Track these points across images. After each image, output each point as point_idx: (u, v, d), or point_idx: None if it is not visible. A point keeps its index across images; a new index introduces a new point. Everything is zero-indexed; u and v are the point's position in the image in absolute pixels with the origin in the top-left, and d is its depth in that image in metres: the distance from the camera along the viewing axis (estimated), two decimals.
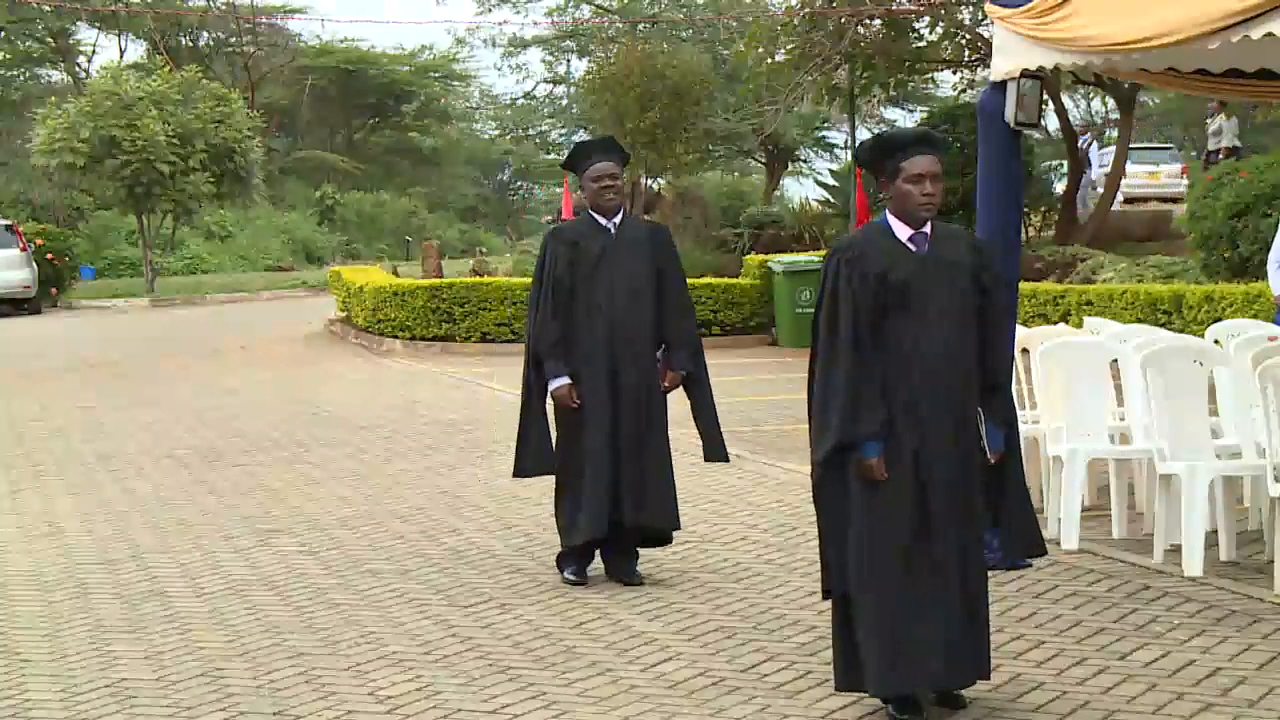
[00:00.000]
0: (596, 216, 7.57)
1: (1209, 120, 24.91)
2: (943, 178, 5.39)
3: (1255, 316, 12.37)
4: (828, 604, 7.07)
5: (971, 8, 22.30)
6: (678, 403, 7.73)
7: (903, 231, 5.36)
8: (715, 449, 7.76)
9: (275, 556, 8.42)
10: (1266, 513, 7.81)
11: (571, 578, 7.58)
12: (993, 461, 5.45)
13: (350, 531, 9.04)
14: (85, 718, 5.77)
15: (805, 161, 46.90)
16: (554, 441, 7.64)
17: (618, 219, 7.57)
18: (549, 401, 7.59)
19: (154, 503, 10.19)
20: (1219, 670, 5.95)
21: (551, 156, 60.73)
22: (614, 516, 7.47)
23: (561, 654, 6.41)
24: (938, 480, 5.29)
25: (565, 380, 7.45)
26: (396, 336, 21.35)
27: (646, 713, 5.65)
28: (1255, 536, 8.16)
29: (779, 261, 21.15)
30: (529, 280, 23.75)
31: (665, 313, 7.58)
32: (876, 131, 37.13)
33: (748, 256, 22.95)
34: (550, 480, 7.80)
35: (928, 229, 5.37)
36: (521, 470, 7.79)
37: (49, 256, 33.25)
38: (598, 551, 7.70)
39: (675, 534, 7.83)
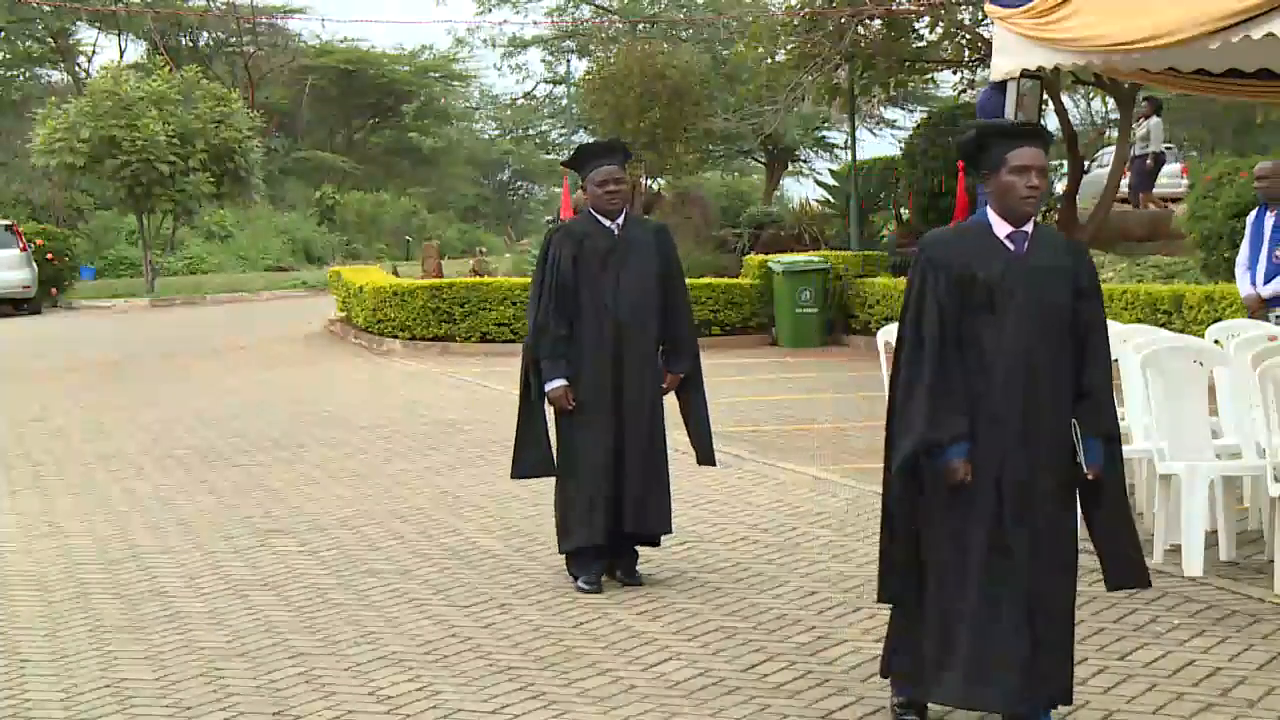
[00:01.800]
0: (599, 218, 7.51)
1: (1137, 124, 24.73)
2: (1048, 172, 5.12)
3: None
4: (828, 604, 7.11)
5: (971, 8, 22.27)
6: (670, 404, 7.70)
7: (1002, 228, 5.07)
8: (705, 453, 7.71)
9: (275, 556, 8.42)
10: (1266, 513, 7.81)
11: (585, 587, 7.43)
12: (1090, 478, 5.09)
13: (350, 531, 9.04)
14: (85, 718, 5.77)
15: (805, 161, 46.89)
16: (555, 442, 7.57)
17: (620, 219, 7.52)
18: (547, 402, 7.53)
19: (154, 503, 10.19)
20: (1219, 670, 5.95)
21: (551, 156, 60.68)
22: (615, 522, 7.41)
23: (561, 654, 6.41)
24: (1022, 492, 5.00)
25: (562, 382, 7.38)
26: (396, 336, 21.35)
27: (646, 713, 5.65)
28: (1255, 536, 8.16)
29: (779, 261, 21.15)
30: (529, 280, 23.77)
31: (666, 315, 7.54)
32: (874, 130, 36.69)
33: (748, 256, 22.95)
34: (548, 480, 7.78)
35: (1029, 227, 5.08)
36: (519, 472, 7.72)
37: (49, 256, 33.28)
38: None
39: (669, 535, 7.80)
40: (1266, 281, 10.18)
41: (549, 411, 7.55)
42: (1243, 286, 10.41)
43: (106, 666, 6.40)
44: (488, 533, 8.93)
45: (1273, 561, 7.27)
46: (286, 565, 8.20)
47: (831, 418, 13.52)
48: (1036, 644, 5.02)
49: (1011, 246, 5.05)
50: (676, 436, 7.87)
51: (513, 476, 7.81)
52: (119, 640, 6.78)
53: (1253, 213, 10.58)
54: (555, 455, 7.57)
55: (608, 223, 7.49)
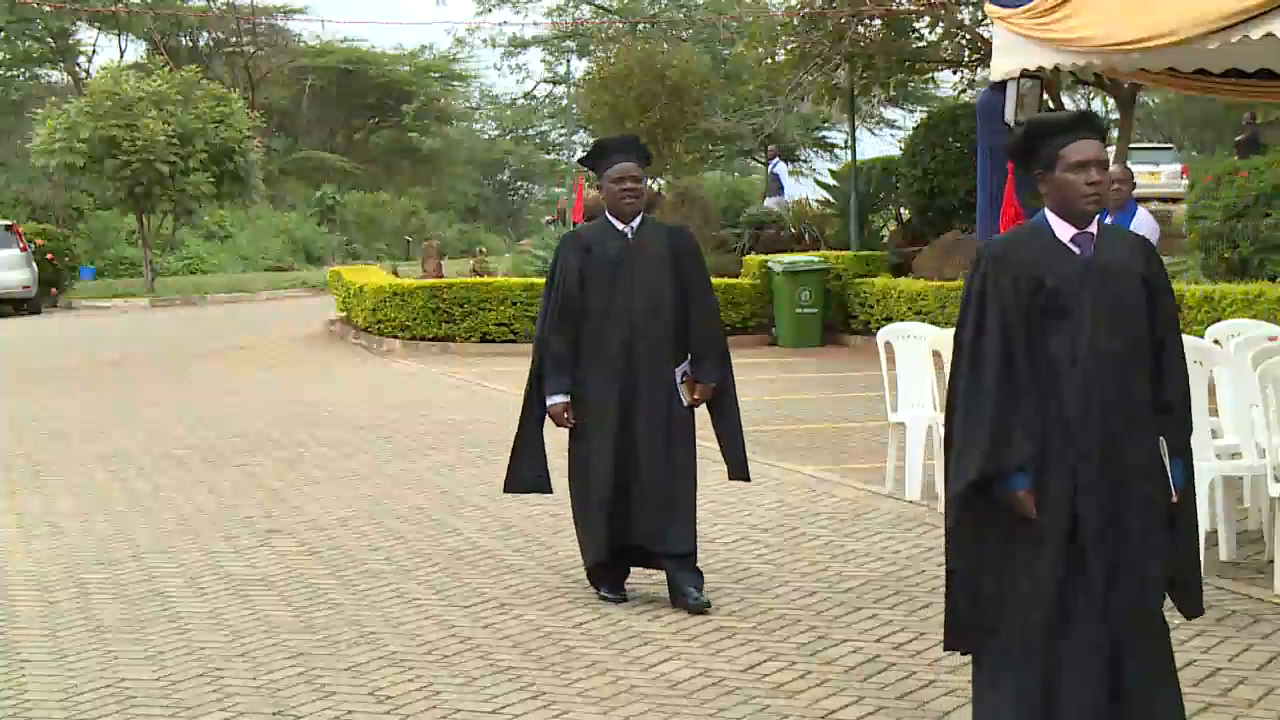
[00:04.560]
0: (613, 220, 7.17)
1: None
2: (1108, 166, 4.68)
3: (1255, 316, 12.36)
4: (828, 603, 7.11)
5: (971, 8, 22.29)
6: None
7: (1064, 231, 4.63)
8: (737, 467, 7.35)
9: (275, 556, 8.42)
10: (1266, 513, 7.81)
11: (608, 595, 7.22)
12: (1174, 500, 4.64)
13: (350, 531, 9.04)
14: (85, 718, 5.77)
15: (805, 161, 46.94)
16: (568, 454, 7.28)
17: (636, 223, 7.17)
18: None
19: (154, 503, 10.18)
20: (1219, 670, 5.95)
21: (551, 157, 60.81)
22: (628, 537, 7.10)
23: (561, 654, 6.41)
24: (1100, 521, 4.54)
25: (563, 398, 7.10)
26: (396, 336, 21.35)
27: (646, 713, 5.65)
28: (1255, 536, 8.16)
29: (779, 261, 21.16)
30: (529, 280, 23.76)
31: (690, 321, 7.17)
32: (874, 130, 36.75)
33: (748, 256, 22.95)
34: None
35: (1093, 228, 4.64)
36: (512, 486, 7.48)
37: (49, 256, 33.24)
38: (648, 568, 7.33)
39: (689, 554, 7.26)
40: None
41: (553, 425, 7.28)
42: None
43: (106, 666, 6.40)
44: (488, 533, 8.92)
45: (1273, 561, 7.27)
46: (286, 565, 8.19)
47: (831, 418, 13.52)
48: (1120, 696, 4.57)
49: (1077, 250, 4.62)
50: (707, 445, 7.61)
51: (505, 490, 7.58)
52: (119, 640, 6.78)
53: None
54: (569, 468, 7.28)
55: (621, 225, 7.16)
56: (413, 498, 10.10)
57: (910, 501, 9.45)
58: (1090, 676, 4.55)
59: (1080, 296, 4.56)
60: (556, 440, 7.54)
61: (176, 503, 10.13)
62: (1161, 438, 4.65)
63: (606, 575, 7.30)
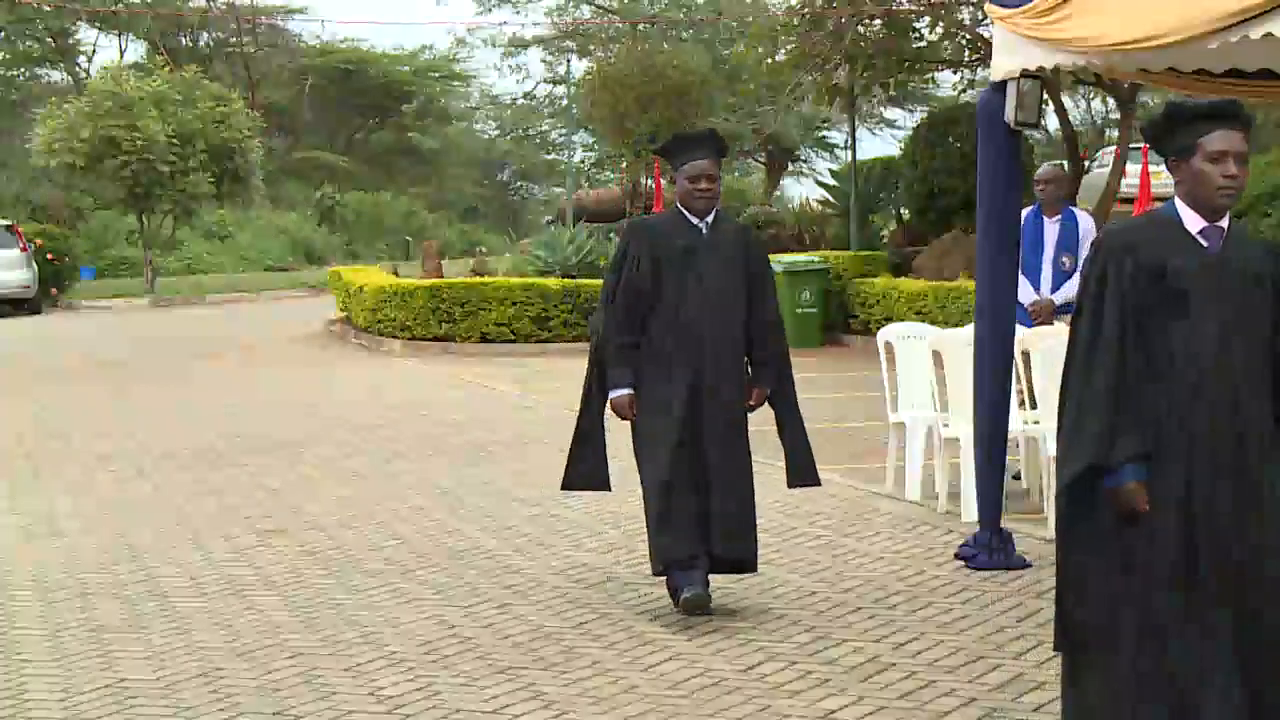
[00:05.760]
0: (686, 214, 6.94)
1: None
2: (1248, 160, 4.49)
3: None
4: (828, 603, 7.11)
5: (971, 8, 22.28)
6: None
7: (1194, 222, 4.42)
8: (804, 471, 7.19)
9: (275, 556, 8.42)
10: None
11: (684, 613, 6.84)
12: None
13: (350, 531, 9.04)
14: (85, 718, 5.77)
15: (805, 161, 46.96)
16: (638, 457, 7.01)
17: (710, 219, 6.94)
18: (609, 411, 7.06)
19: (154, 503, 10.18)
20: None
21: (551, 157, 60.79)
22: (702, 540, 6.81)
23: (561, 654, 6.41)
24: (1218, 528, 4.33)
25: (627, 391, 6.85)
26: (396, 336, 21.36)
27: (646, 713, 5.65)
28: None
29: (779, 261, 21.12)
30: (529, 280, 23.69)
31: (752, 324, 6.98)
32: (874, 130, 36.78)
33: None
34: (552, 482, 7.68)
35: (1224, 223, 4.44)
36: (569, 483, 7.25)
37: (49, 256, 33.24)
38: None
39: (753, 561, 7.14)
40: (1055, 289, 9.98)
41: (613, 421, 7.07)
42: (1025, 292, 10.06)
43: (106, 666, 6.39)
44: (488, 533, 8.92)
45: None
46: (286, 565, 8.19)
47: (831, 418, 13.51)
48: (1261, 707, 4.31)
49: (1205, 243, 4.42)
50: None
51: (562, 488, 7.36)
52: (119, 640, 6.78)
53: (1025, 212, 10.28)
54: (642, 470, 6.99)
55: (695, 220, 6.93)
56: (413, 498, 10.10)
57: (910, 501, 9.44)
58: (1220, 693, 4.31)
59: (1202, 292, 4.37)
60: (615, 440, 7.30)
61: (176, 503, 10.13)
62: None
63: (681, 582, 6.88)
